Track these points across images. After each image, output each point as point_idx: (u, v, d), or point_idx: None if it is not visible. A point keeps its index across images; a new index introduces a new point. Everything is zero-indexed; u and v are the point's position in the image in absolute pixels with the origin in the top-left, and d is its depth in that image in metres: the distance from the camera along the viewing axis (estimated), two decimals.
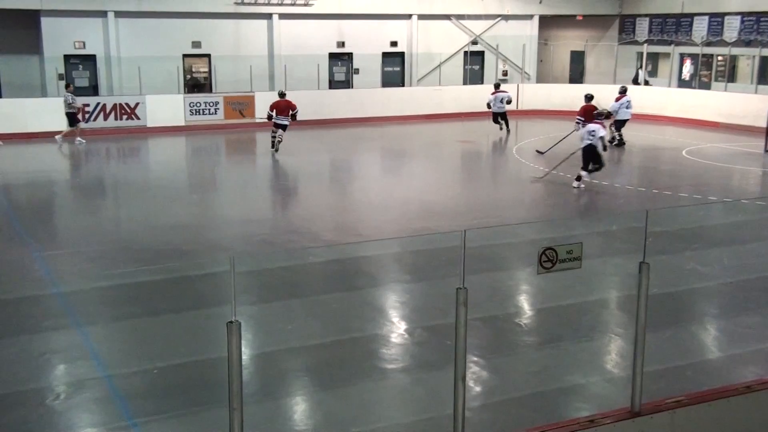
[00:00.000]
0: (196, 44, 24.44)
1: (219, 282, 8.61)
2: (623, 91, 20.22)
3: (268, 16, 25.03)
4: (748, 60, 25.00)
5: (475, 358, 7.02)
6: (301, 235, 11.61)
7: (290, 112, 18.78)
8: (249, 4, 24.55)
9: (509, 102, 22.45)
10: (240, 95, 23.76)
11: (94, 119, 21.79)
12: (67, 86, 20.79)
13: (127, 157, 19.76)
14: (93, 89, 23.39)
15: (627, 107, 19.72)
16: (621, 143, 19.91)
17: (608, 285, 9.55)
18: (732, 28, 24.97)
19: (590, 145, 14.43)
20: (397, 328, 8.07)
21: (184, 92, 23.92)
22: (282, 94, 19.49)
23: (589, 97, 18.47)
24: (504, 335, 7.90)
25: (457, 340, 4.65)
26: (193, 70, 25.08)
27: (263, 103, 23.74)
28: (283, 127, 18.80)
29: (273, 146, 18.96)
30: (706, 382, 6.50)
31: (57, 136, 20.24)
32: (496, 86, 23.10)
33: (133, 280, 9.72)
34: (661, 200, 13.74)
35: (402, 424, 6.17)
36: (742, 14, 24.57)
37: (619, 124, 19.88)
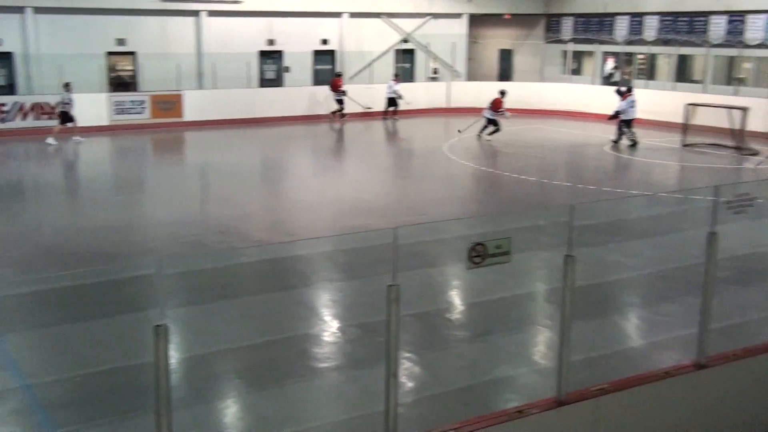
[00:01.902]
0: (121, 41, 23.74)
1: (147, 285, 8.40)
2: (629, 90, 20.43)
3: (196, 13, 24.51)
4: (666, 58, 25.96)
5: (408, 354, 7.07)
6: (232, 235, 11.45)
7: (497, 108, 21.14)
8: (176, 0, 24.00)
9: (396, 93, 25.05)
10: (167, 94, 23.22)
11: (12, 119, 20.92)
12: (66, 85, 20.05)
13: (48, 158, 19.03)
14: (9, 88, 22.42)
15: (632, 106, 19.90)
16: (635, 143, 19.75)
17: (536, 278, 9.77)
18: (651, 28, 25.88)
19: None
20: (330, 327, 8.06)
21: (109, 91, 23.21)
22: (502, 92, 21.38)
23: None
24: (435, 330, 7.98)
25: (388, 336, 4.67)
26: (118, 68, 24.35)
27: (191, 101, 23.40)
28: (491, 121, 21.04)
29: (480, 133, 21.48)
30: (629, 369, 6.71)
31: (49, 137, 19.58)
32: (396, 76, 25.94)
33: (55, 286, 9.37)
34: (586, 194, 14.15)
35: (335, 422, 6.17)
36: (661, 14, 25.49)
37: (629, 123, 19.93)
